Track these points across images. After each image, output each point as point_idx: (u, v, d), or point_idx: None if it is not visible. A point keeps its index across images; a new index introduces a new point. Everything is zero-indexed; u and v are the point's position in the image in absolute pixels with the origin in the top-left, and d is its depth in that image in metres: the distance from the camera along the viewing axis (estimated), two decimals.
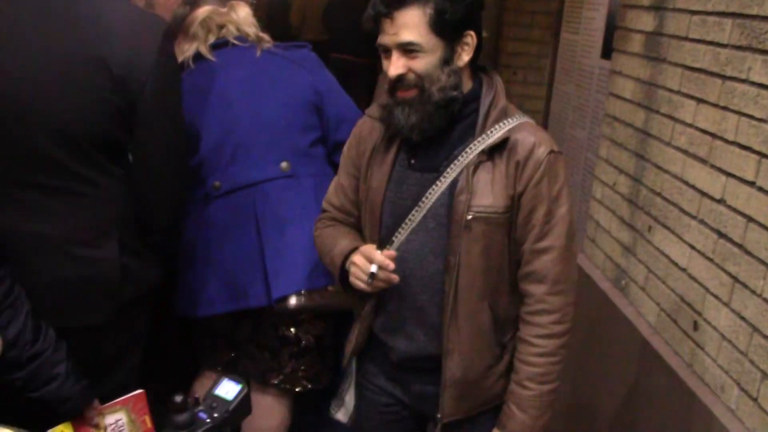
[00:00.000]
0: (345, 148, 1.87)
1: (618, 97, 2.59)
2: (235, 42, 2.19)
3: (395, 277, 1.63)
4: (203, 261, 2.15)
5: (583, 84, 3.35)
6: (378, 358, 1.86)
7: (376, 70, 7.66)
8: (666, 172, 2.21)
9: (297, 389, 2.27)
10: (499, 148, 1.62)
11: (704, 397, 1.89)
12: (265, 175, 2.12)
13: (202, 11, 2.20)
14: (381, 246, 1.70)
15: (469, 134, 1.65)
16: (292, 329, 2.21)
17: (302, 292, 2.11)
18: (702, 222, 1.99)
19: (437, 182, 1.65)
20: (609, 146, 2.64)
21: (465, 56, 1.62)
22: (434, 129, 1.63)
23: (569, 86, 3.54)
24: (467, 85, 1.66)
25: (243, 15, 2.24)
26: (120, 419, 1.75)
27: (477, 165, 1.62)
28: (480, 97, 1.66)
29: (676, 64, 2.18)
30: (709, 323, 1.92)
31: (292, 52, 2.25)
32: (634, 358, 2.27)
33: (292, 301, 2.11)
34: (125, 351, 1.95)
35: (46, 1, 1.66)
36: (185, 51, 2.16)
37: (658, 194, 2.24)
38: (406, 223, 1.68)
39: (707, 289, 1.94)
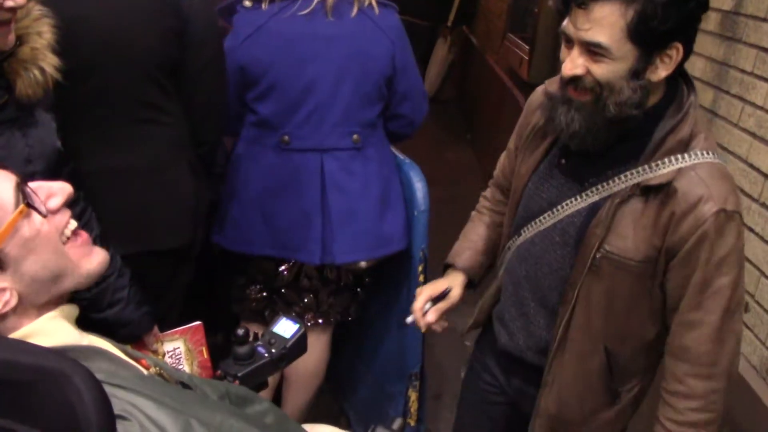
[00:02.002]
0: (522, 116, 1.69)
1: None
2: None
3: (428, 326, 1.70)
4: (254, 204, 2.19)
5: None
6: (492, 338, 1.73)
7: (436, 33, 7.64)
8: (731, 153, 2.19)
9: (330, 321, 2.36)
10: (657, 189, 1.33)
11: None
12: (336, 144, 2.15)
13: None
14: (509, 230, 1.62)
15: (634, 156, 1.37)
16: (335, 271, 2.28)
17: None
18: (763, 205, 1.98)
19: (577, 198, 1.44)
20: None
21: (662, 71, 1.31)
22: (597, 145, 1.38)
23: None
24: (653, 99, 1.36)
25: None
26: (177, 348, 1.81)
27: (626, 199, 1.36)
28: (662, 118, 1.36)
29: (752, 45, 2.15)
30: (762, 306, 1.93)
31: (382, 16, 2.13)
32: None
33: (362, 264, 2.23)
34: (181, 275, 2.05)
35: None
36: None
37: None
38: (535, 224, 1.52)
39: (762, 273, 1.94)
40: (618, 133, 1.36)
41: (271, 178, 2.16)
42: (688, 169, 1.31)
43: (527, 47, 4.49)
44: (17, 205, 1.05)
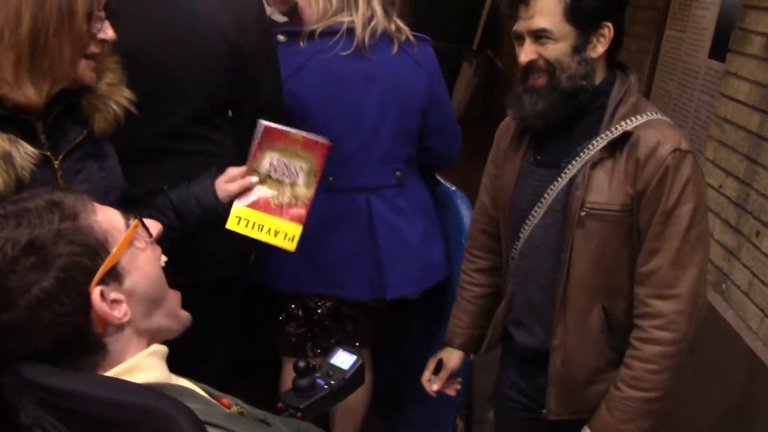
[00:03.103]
0: (493, 145, 1.86)
1: (731, 98, 2.54)
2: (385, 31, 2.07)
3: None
4: (302, 246, 2.18)
5: (687, 83, 3.29)
6: (511, 351, 1.88)
7: (461, 56, 7.67)
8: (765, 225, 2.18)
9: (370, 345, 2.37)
10: (621, 144, 1.56)
11: None
12: (382, 182, 2.16)
13: None
14: (510, 243, 1.75)
15: (594, 130, 1.60)
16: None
17: None
18: None
19: (558, 179, 1.62)
20: (716, 147, 2.61)
21: (599, 48, 1.57)
22: (559, 118, 1.60)
23: (671, 85, 3.49)
24: (599, 77, 1.61)
25: None
26: (272, 159, 1.68)
27: (597, 162, 1.57)
28: (610, 92, 1.60)
29: None
30: None
31: (420, 51, 2.14)
32: (736, 363, 2.25)
33: (413, 296, 2.27)
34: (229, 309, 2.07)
35: None
36: (323, 18, 2.05)
37: None
38: (529, 220, 1.67)
39: None
40: (574, 106, 1.59)
41: (317, 218, 2.12)
42: (644, 125, 1.55)
43: None
44: (127, 226, 1.11)
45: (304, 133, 1.67)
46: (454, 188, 2.36)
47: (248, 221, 1.67)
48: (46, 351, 1.05)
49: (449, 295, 2.28)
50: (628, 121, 1.57)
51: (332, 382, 1.58)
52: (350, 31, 2.02)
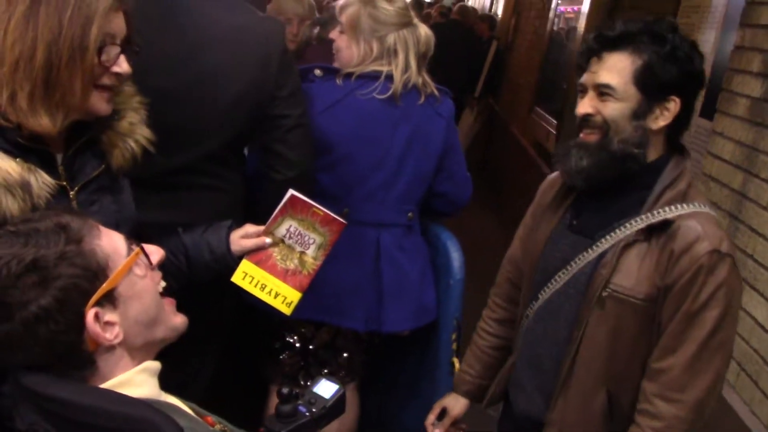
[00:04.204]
0: (536, 198, 1.86)
1: (717, 157, 2.63)
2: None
3: None
4: None
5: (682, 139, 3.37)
6: (509, 414, 1.84)
7: (462, 102, 7.80)
8: (760, 235, 2.25)
9: (360, 378, 2.42)
10: (659, 231, 1.48)
11: None
12: (394, 221, 2.26)
13: (406, 30, 2.18)
14: (527, 302, 1.72)
15: (636, 208, 1.53)
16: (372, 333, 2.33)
17: None
18: None
19: (588, 250, 1.57)
20: None
21: (661, 121, 1.51)
22: (602, 180, 1.54)
23: None
24: (654, 154, 1.54)
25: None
26: (290, 226, 1.75)
27: (631, 243, 1.50)
28: (662, 172, 1.53)
29: None
30: None
31: (442, 104, 2.28)
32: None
33: (405, 332, 2.33)
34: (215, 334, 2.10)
35: (185, 28, 1.84)
36: (363, 63, 2.17)
37: (750, 256, 2.28)
38: (552, 284, 1.63)
39: None
40: (620, 172, 1.53)
41: None
42: (688, 215, 1.47)
43: (555, 121, 4.59)
44: (128, 254, 1.17)
45: (325, 210, 1.75)
46: (445, 230, 2.42)
47: (253, 278, 1.74)
48: (38, 363, 1.10)
49: (436, 334, 2.37)
50: (672, 207, 1.49)
51: (313, 410, 1.62)
52: (388, 78, 2.15)
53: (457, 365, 2.21)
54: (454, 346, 2.29)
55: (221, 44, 1.84)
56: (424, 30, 2.23)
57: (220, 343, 2.18)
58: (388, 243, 2.25)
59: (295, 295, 1.77)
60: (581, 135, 1.56)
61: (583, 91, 1.56)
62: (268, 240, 1.73)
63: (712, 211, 1.52)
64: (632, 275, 1.49)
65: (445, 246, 2.37)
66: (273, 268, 1.75)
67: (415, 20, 2.23)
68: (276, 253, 1.75)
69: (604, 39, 1.52)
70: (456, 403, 1.96)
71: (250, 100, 1.88)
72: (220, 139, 1.89)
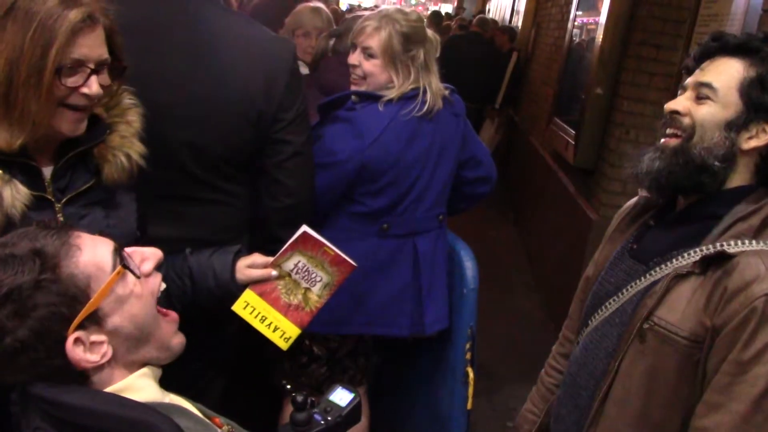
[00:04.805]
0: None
1: None
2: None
3: None
4: (347, 287, 2.22)
5: None
6: None
7: (483, 114, 7.82)
8: None
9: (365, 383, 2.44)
10: (716, 264, 1.30)
11: None
12: (428, 227, 2.31)
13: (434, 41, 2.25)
14: (579, 328, 1.62)
15: (698, 239, 1.37)
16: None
17: None
18: None
19: (641, 278, 1.43)
20: None
21: (753, 142, 1.35)
22: (670, 185, 1.41)
23: None
24: (737, 180, 1.38)
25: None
26: (298, 262, 1.73)
27: (684, 275, 1.34)
28: (738, 203, 1.36)
29: None
30: None
31: (453, 105, 2.32)
32: None
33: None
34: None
35: (193, 40, 1.83)
36: (402, 86, 2.19)
37: None
38: (601, 311, 1.51)
39: None
40: (693, 182, 1.37)
41: (367, 262, 2.22)
42: (753, 252, 1.28)
43: (573, 132, 4.59)
44: (114, 267, 1.14)
45: (337, 250, 1.73)
46: (459, 239, 2.44)
47: (254, 309, 1.72)
48: (33, 380, 1.10)
49: (451, 342, 2.39)
50: (738, 242, 1.31)
51: (329, 418, 1.63)
52: (424, 94, 2.18)
53: (471, 375, 2.22)
54: (468, 355, 2.30)
55: (228, 52, 1.83)
56: (433, 35, 2.27)
57: (232, 354, 2.19)
58: (426, 248, 2.29)
59: (294, 332, 1.75)
60: (662, 139, 1.42)
61: (683, 89, 1.43)
62: (274, 273, 1.71)
63: None
64: (679, 310, 1.32)
65: (459, 256, 2.39)
66: (276, 302, 1.73)
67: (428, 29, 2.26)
68: (281, 286, 1.73)
69: (723, 41, 1.39)
70: None
71: (252, 117, 1.85)
72: (220, 154, 1.87)
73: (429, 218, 2.30)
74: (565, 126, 4.99)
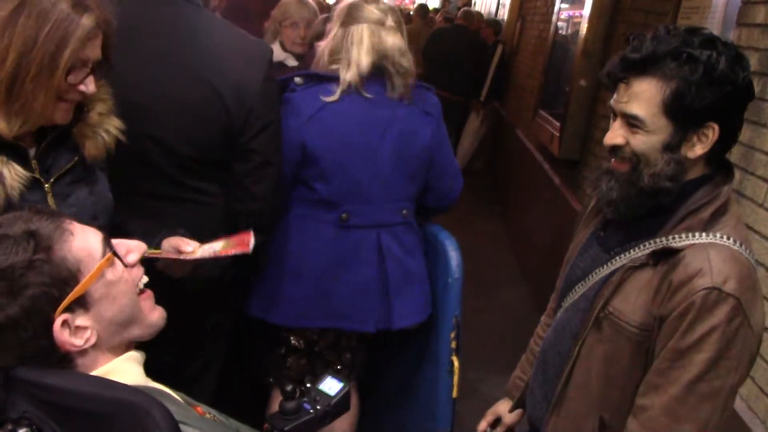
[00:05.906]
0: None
1: None
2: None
3: None
4: (311, 279, 2.26)
5: None
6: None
7: (468, 107, 7.84)
8: (756, 232, 2.27)
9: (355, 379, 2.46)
10: (665, 258, 1.37)
11: None
12: (391, 220, 2.30)
13: (364, 28, 2.15)
14: (554, 309, 1.70)
15: (655, 231, 1.42)
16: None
17: None
18: None
19: (603, 266, 1.49)
20: None
21: (698, 149, 1.37)
22: (630, 215, 1.44)
23: None
24: (693, 173, 1.40)
25: (398, 43, 2.19)
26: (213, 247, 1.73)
27: (638, 267, 1.40)
28: (691, 196, 1.40)
29: None
30: None
31: (425, 102, 2.30)
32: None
33: (412, 327, 2.37)
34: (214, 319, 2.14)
35: (167, 40, 1.84)
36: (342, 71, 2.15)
37: None
38: (571, 294, 1.58)
39: None
40: (651, 205, 1.41)
41: (329, 253, 2.25)
42: (702, 245, 1.34)
43: (558, 124, 4.62)
44: (104, 254, 1.18)
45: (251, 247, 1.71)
46: (442, 229, 2.45)
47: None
48: (18, 361, 1.13)
49: (436, 332, 2.40)
50: (687, 235, 1.36)
51: (318, 407, 1.65)
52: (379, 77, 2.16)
53: (456, 364, 2.25)
54: (454, 344, 2.32)
55: (201, 53, 1.84)
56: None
57: (221, 348, 2.21)
58: (389, 241, 2.28)
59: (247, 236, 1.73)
60: (613, 161, 1.44)
61: (614, 114, 1.44)
62: (189, 248, 1.71)
63: (742, 249, 1.35)
64: (631, 300, 1.40)
65: (443, 245, 2.40)
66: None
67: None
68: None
69: (628, 63, 1.38)
70: (509, 411, 1.90)
71: (222, 121, 1.86)
72: (188, 154, 1.88)
73: (392, 211, 2.29)
74: (551, 118, 5.02)
